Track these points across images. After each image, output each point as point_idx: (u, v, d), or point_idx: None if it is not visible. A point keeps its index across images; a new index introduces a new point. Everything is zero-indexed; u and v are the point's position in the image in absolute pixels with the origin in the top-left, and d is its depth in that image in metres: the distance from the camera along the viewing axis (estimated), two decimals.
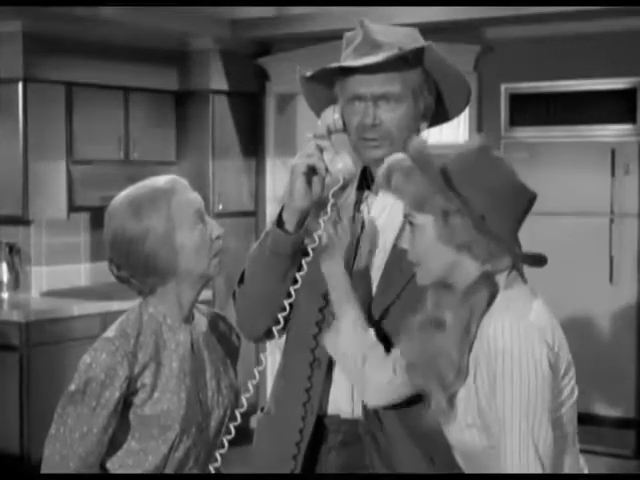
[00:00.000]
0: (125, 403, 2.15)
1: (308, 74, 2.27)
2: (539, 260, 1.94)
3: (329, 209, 2.17)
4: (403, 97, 2.19)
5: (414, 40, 2.24)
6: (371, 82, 2.18)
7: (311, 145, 2.15)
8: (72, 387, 2.14)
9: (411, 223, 1.95)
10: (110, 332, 2.18)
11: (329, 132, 2.19)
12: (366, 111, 2.19)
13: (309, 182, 2.16)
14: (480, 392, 1.88)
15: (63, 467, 2.14)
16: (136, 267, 2.18)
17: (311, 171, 2.15)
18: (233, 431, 2.18)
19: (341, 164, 2.14)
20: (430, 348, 1.95)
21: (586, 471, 2.04)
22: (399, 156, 1.98)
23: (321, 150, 2.15)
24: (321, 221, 2.16)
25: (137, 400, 2.15)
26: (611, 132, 5.82)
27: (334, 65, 2.23)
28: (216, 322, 2.38)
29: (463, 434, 1.94)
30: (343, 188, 2.21)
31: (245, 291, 2.31)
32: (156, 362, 2.18)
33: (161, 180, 2.21)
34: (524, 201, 1.93)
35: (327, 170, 2.15)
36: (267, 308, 2.25)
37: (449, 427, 1.96)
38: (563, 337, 1.94)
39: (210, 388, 2.27)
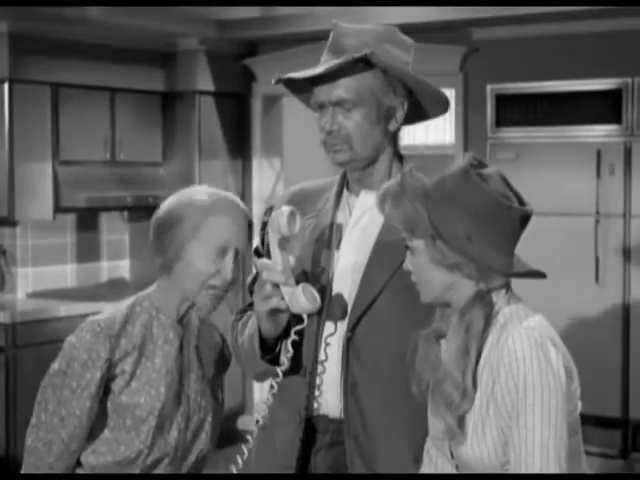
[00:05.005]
0: (104, 390, 2.16)
1: (273, 81, 2.33)
2: (535, 275, 1.96)
3: (290, 341, 2.19)
4: (360, 102, 2.22)
5: (387, 40, 2.25)
6: (327, 90, 2.23)
7: (267, 287, 2.14)
8: (55, 366, 2.16)
9: (407, 246, 1.99)
10: (99, 315, 2.20)
11: (283, 238, 2.14)
12: (326, 117, 2.24)
13: (275, 318, 2.19)
14: (500, 406, 1.90)
15: (46, 452, 2.15)
16: (153, 242, 2.22)
17: (274, 311, 2.17)
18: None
19: (297, 307, 2.13)
20: (438, 372, 1.98)
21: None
22: (392, 182, 2.01)
23: (277, 285, 2.14)
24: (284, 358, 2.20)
25: (115, 387, 2.17)
26: (597, 133, 5.83)
27: (284, 76, 2.28)
28: (211, 333, 2.39)
29: (475, 453, 1.94)
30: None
31: (242, 364, 2.37)
32: (139, 352, 2.20)
33: (219, 195, 2.22)
34: (512, 220, 1.93)
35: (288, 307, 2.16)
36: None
37: (460, 448, 1.97)
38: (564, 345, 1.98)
39: (194, 390, 2.28)
